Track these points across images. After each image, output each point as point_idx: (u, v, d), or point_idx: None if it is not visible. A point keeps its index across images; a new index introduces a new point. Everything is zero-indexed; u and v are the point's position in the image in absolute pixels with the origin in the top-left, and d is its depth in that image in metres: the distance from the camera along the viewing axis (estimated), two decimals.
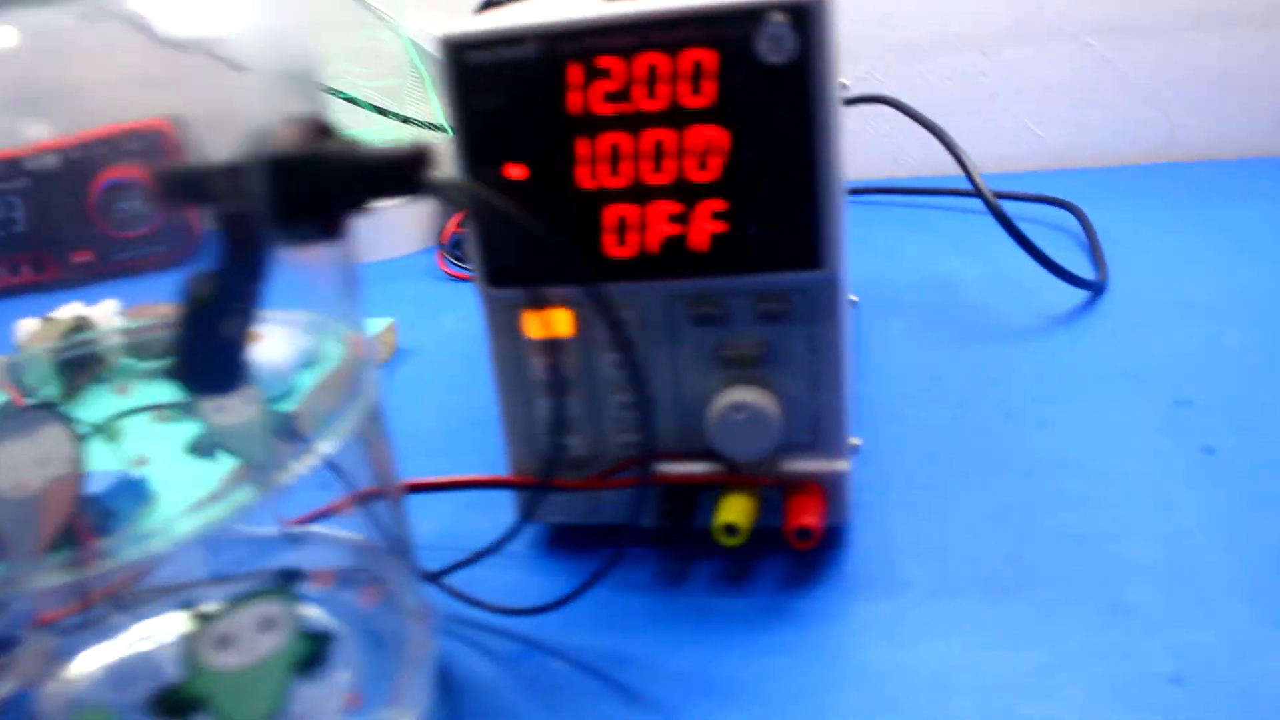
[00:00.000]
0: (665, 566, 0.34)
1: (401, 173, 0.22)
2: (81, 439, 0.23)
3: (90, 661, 0.28)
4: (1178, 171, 0.73)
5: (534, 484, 0.35)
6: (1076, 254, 0.59)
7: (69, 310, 0.30)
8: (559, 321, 0.33)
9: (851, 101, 0.67)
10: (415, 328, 0.58)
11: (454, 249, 0.69)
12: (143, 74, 0.23)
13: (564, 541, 0.36)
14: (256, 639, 0.21)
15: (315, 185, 0.21)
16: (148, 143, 0.24)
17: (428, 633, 0.29)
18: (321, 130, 0.22)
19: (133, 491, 0.27)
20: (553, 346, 0.33)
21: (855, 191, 0.75)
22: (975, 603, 0.31)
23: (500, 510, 0.36)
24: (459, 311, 0.61)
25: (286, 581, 0.22)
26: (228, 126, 0.21)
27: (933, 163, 0.82)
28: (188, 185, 0.22)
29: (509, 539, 0.32)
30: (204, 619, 0.21)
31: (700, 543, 0.33)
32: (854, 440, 0.37)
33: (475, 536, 0.33)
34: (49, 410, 0.25)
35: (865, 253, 0.63)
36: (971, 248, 0.62)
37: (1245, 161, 0.74)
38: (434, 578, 0.33)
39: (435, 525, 0.38)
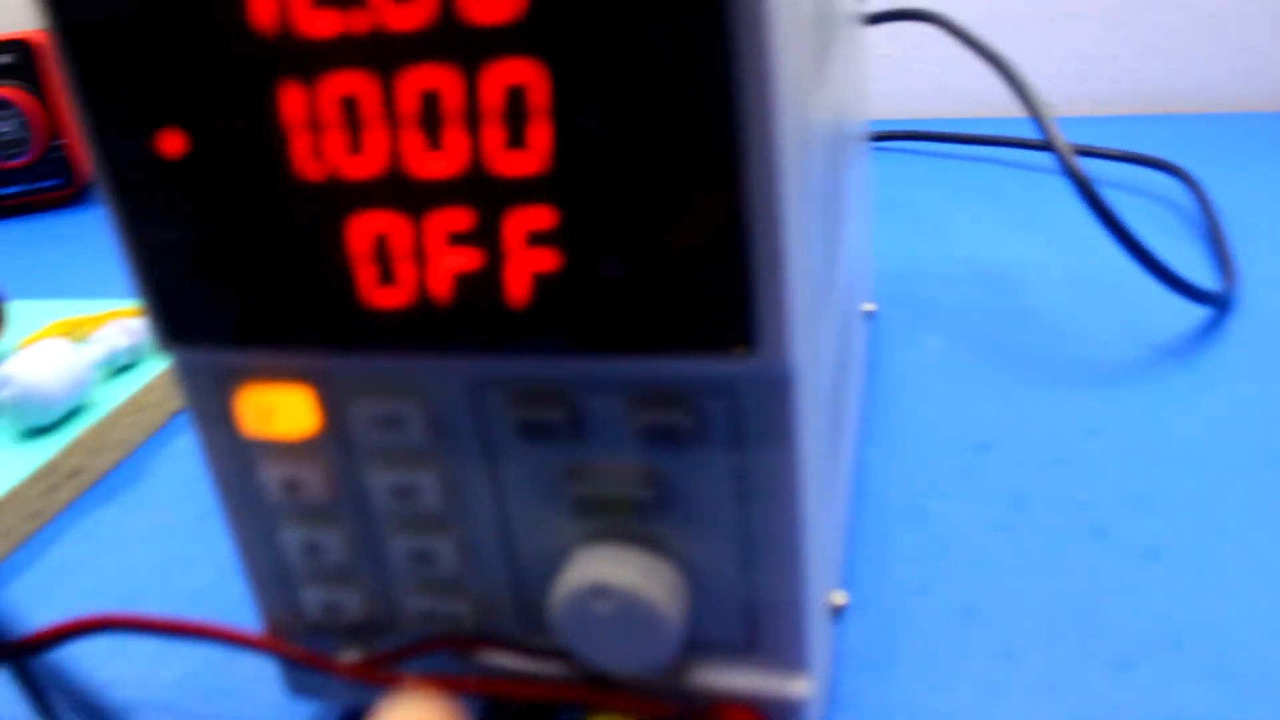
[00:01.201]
0: None
1: None
2: None
3: None
4: None
5: (274, 648, 0.20)
6: (1183, 240, 0.42)
7: None
8: (289, 408, 0.18)
9: (880, 18, 0.50)
10: None
11: None
12: None
13: None
14: None
15: None
16: None
17: None
18: None
19: None
20: (287, 450, 0.18)
21: (883, 136, 0.58)
22: None
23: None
24: None
25: None
26: None
27: (988, 100, 0.65)
28: None
29: None
30: None
31: None
32: (836, 599, 0.22)
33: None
34: None
35: (892, 227, 0.47)
36: (1041, 221, 0.45)
37: None
38: None
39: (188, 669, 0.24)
